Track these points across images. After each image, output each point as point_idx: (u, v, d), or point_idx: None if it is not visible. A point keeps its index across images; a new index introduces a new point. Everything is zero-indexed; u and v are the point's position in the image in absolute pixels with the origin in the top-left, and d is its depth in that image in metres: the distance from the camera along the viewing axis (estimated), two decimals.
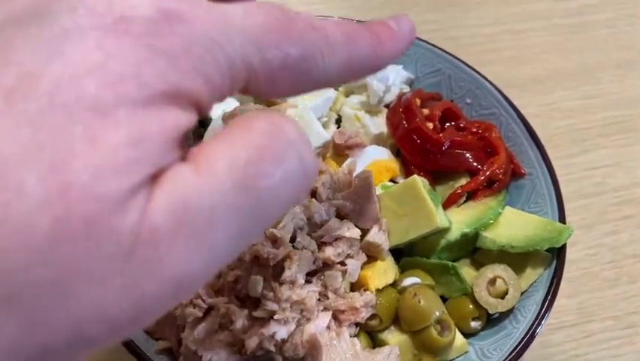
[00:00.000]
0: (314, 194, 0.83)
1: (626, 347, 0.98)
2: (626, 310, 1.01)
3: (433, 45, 1.06)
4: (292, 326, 0.72)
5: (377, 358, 0.73)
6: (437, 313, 0.79)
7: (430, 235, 0.83)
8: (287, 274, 0.72)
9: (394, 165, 0.93)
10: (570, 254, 1.00)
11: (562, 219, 0.88)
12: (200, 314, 0.72)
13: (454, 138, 0.92)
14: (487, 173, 0.91)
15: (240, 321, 0.70)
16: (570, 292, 1.02)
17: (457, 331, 0.82)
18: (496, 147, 0.94)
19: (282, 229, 0.75)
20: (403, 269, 0.86)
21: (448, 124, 0.97)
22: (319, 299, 0.78)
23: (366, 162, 0.90)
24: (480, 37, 1.08)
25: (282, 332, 0.71)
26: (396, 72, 1.04)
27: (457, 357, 0.82)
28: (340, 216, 0.82)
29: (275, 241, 0.74)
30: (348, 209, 0.82)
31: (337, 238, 0.79)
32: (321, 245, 0.78)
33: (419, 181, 0.82)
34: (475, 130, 0.96)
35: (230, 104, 0.93)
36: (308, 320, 0.75)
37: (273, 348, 0.70)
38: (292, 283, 0.73)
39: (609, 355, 0.97)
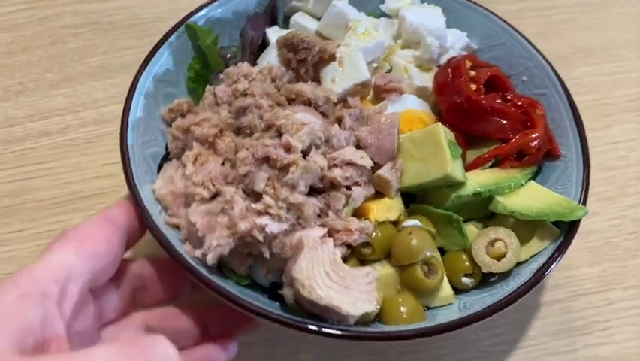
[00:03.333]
0: (339, 121, 0.88)
1: None
2: None
3: (501, 18, 1.07)
4: (284, 225, 0.77)
5: (355, 273, 0.76)
6: (426, 254, 0.81)
7: (442, 184, 0.85)
8: (289, 177, 0.77)
9: (428, 119, 0.95)
10: (593, 224, 1.06)
11: (583, 202, 0.86)
12: (208, 196, 0.80)
13: (494, 104, 0.93)
14: (519, 142, 0.91)
15: (238, 208, 0.77)
16: (592, 260, 1.03)
17: (446, 282, 0.84)
18: (536, 123, 0.93)
19: (298, 139, 0.80)
20: (410, 214, 0.88)
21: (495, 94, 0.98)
22: (319, 215, 0.82)
23: (401, 108, 0.93)
24: (505, 14, 1.06)
25: (272, 226, 0.76)
26: (457, 37, 1.05)
27: (440, 306, 0.84)
28: (359, 147, 0.86)
29: (288, 149, 0.80)
30: (368, 142, 0.86)
31: (348, 163, 0.83)
32: (331, 166, 0.83)
33: (441, 129, 0.84)
34: (519, 103, 0.96)
35: (281, 32, 0.99)
36: (303, 228, 0.80)
37: (261, 239, 0.76)
38: (293, 187, 0.78)
39: (630, 323, 0.97)
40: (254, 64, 0.99)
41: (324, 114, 0.89)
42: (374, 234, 0.83)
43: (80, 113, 1.17)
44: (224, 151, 0.84)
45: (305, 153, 0.82)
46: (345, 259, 0.82)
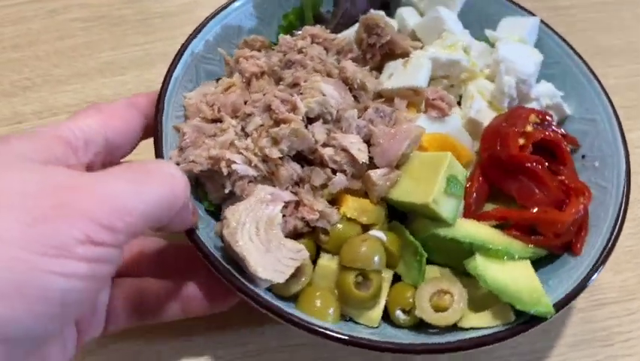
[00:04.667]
0: (356, 98, 0.87)
1: None
2: None
3: (607, 95, 0.95)
4: (252, 172, 0.79)
5: (285, 244, 0.76)
6: (368, 267, 0.77)
7: (424, 213, 0.80)
8: (275, 130, 0.79)
9: (462, 151, 0.89)
10: None
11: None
12: (209, 117, 0.85)
13: (534, 167, 0.84)
14: (536, 216, 0.82)
15: (225, 138, 0.81)
16: (613, 269, 0.97)
17: (380, 306, 0.80)
18: (570, 207, 0.83)
19: (306, 103, 0.81)
20: (389, 229, 0.85)
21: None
22: (297, 184, 0.83)
23: (440, 129, 0.89)
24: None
25: (239, 167, 0.79)
26: (549, 92, 0.97)
27: (362, 324, 0.80)
28: (369, 142, 0.85)
29: (293, 108, 0.81)
30: (377, 140, 0.84)
31: (344, 149, 0.82)
32: (327, 145, 0.82)
33: (448, 159, 0.79)
34: (566, 182, 0.86)
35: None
36: (274, 186, 0.81)
37: (225, 172, 0.79)
38: (275, 141, 0.79)
39: None
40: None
41: (356, 98, 0.89)
42: (337, 226, 0.81)
43: None
44: (254, 91, 0.89)
45: (310, 121, 0.83)
46: (302, 235, 0.82)
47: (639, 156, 1.11)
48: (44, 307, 0.51)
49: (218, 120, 0.86)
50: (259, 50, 0.97)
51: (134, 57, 1.21)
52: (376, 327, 0.80)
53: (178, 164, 0.82)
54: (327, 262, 0.82)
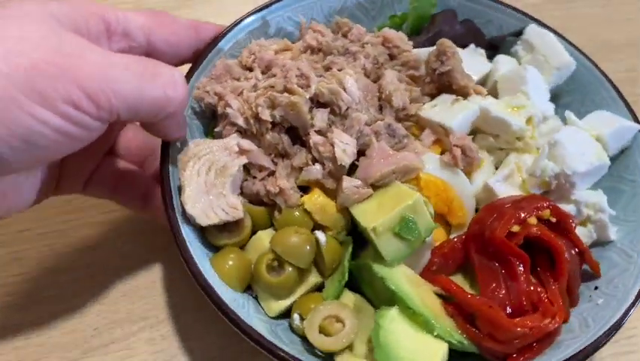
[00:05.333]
0: (381, 108, 0.85)
1: None
2: None
3: None
4: (240, 121, 0.82)
5: (228, 196, 0.77)
6: (284, 254, 0.76)
7: (369, 239, 0.76)
8: (270, 93, 0.80)
9: (456, 209, 0.82)
10: None
11: None
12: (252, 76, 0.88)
13: (512, 260, 0.75)
14: (476, 302, 0.73)
15: (247, 86, 0.85)
16: None
17: (284, 302, 0.79)
18: (522, 321, 0.72)
19: (318, 88, 0.81)
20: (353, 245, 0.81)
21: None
22: (282, 156, 0.84)
23: (445, 176, 0.82)
24: (525, 8, 1.01)
25: (232, 112, 0.82)
26: (595, 199, 0.84)
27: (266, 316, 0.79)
28: (361, 151, 0.82)
29: (306, 85, 0.81)
30: (369, 154, 0.81)
31: (331, 144, 0.80)
32: (319, 133, 0.81)
33: (414, 199, 0.74)
34: (542, 296, 0.75)
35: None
36: (258, 147, 0.83)
37: (220, 110, 0.83)
38: (270, 105, 0.81)
39: None
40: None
41: (381, 108, 0.86)
42: (292, 210, 0.81)
43: None
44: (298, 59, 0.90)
45: (320, 106, 0.82)
46: (264, 203, 0.83)
47: None
48: (10, 138, 0.57)
49: (250, 69, 0.89)
50: (338, 32, 0.98)
51: None
52: (271, 317, 0.78)
53: (199, 89, 0.87)
54: (264, 236, 0.82)
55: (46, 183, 0.76)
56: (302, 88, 0.81)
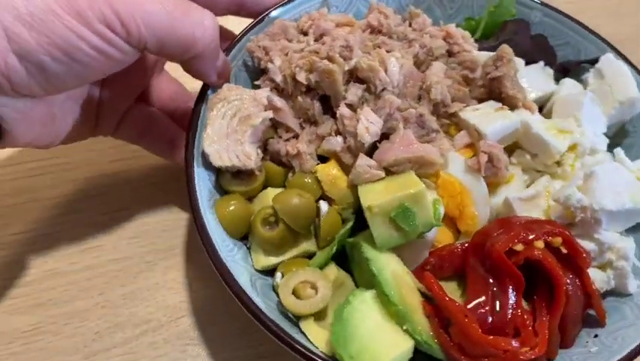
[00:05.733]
0: (420, 98, 0.85)
1: None
2: None
3: None
4: (278, 78, 0.85)
5: (246, 145, 0.79)
6: (281, 212, 0.77)
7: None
8: (315, 59, 0.81)
9: (466, 214, 0.79)
10: None
11: None
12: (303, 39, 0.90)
13: (505, 280, 0.72)
14: (454, 309, 0.70)
15: (291, 45, 0.87)
16: None
17: (274, 259, 0.80)
18: (495, 341, 0.69)
19: (359, 63, 0.81)
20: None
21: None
22: (311, 123, 0.85)
23: (465, 180, 0.80)
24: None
25: (272, 67, 0.85)
26: (622, 244, 0.78)
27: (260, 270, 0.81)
28: (386, 134, 0.81)
29: (348, 57, 0.82)
30: (392, 139, 0.80)
31: (357, 119, 0.80)
32: (349, 106, 0.81)
33: (418, 189, 0.73)
34: (528, 323, 0.71)
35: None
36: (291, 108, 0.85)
37: (262, 65, 0.86)
38: (309, 69, 0.82)
39: None
40: None
41: (419, 98, 0.85)
42: (304, 174, 0.82)
43: None
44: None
45: (358, 81, 0.82)
46: (282, 163, 0.85)
47: None
48: (50, 47, 0.62)
49: (305, 34, 0.91)
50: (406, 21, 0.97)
51: None
52: (256, 269, 0.80)
53: (252, 42, 0.90)
54: (272, 193, 0.83)
55: (86, 119, 0.82)
56: (343, 59, 0.81)
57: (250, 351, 0.84)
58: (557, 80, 0.96)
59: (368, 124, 0.79)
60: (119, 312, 0.86)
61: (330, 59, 0.81)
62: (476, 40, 0.98)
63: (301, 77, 0.82)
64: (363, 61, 0.80)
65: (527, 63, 0.95)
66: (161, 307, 0.87)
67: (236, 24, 0.92)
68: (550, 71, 0.96)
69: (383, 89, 0.81)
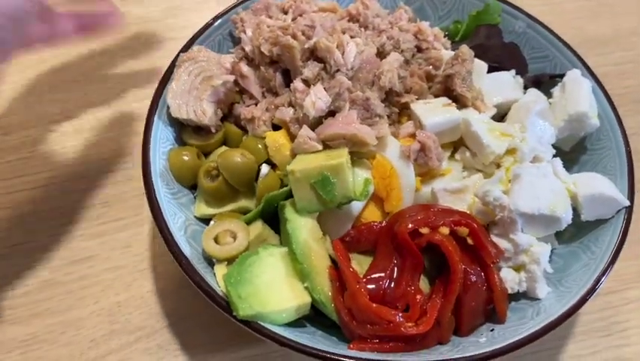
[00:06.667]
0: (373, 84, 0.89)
1: None
2: None
3: None
4: (247, 47, 0.92)
5: (204, 102, 0.88)
6: (220, 165, 0.85)
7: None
8: (278, 35, 0.88)
9: (392, 195, 0.83)
10: None
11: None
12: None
13: (407, 259, 0.77)
14: (347, 273, 0.75)
15: (268, 20, 0.94)
16: None
17: (209, 209, 0.88)
18: (380, 309, 0.74)
19: (318, 43, 0.87)
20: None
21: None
22: (274, 93, 0.92)
23: (398, 165, 0.84)
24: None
25: (244, 36, 0.93)
26: (543, 252, 0.80)
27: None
28: (333, 112, 0.87)
29: (308, 36, 0.88)
30: (336, 117, 0.85)
31: (307, 93, 0.86)
32: (307, 82, 0.88)
33: (341, 162, 0.78)
34: (418, 299, 0.75)
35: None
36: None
37: (236, 33, 0.93)
38: (272, 43, 0.89)
39: None
40: None
41: (373, 84, 0.89)
42: (252, 138, 0.90)
43: (76, 119, 1.09)
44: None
45: (318, 60, 0.88)
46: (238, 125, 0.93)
47: (636, 144, 0.98)
48: None
49: (286, 13, 0.98)
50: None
51: (119, 63, 1.18)
52: (195, 216, 0.88)
53: (237, 14, 0.98)
54: (223, 148, 0.91)
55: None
56: (306, 37, 0.88)
57: (241, 354, 0.88)
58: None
59: (316, 99, 0.85)
60: (114, 320, 0.90)
61: (292, 35, 0.88)
62: (456, 42, 1.02)
63: (265, 49, 0.89)
64: (322, 41, 0.86)
65: (498, 69, 0.98)
66: (155, 313, 0.91)
67: None
68: (520, 80, 0.98)
69: (337, 70, 0.86)
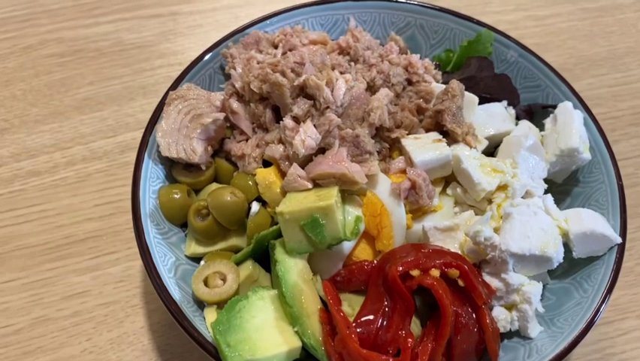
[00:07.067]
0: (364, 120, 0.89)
1: None
2: None
3: None
4: (237, 84, 0.92)
5: (195, 141, 0.88)
6: (210, 204, 0.84)
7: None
8: (268, 72, 0.88)
9: (383, 234, 0.83)
10: None
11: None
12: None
13: (398, 302, 0.76)
14: (337, 315, 0.75)
15: (259, 55, 0.94)
16: None
17: (199, 248, 0.87)
18: (371, 355, 0.73)
19: (308, 80, 0.86)
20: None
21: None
22: (265, 129, 0.92)
23: (389, 203, 0.84)
24: (502, 25, 1.10)
25: (234, 73, 0.93)
26: (521, 282, 0.79)
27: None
28: (322, 150, 0.87)
29: (297, 73, 0.88)
30: (327, 154, 0.85)
31: (297, 131, 0.85)
32: (295, 119, 0.87)
33: (329, 204, 0.77)
34: (410, 345, 0.75)
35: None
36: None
37: (227, 69, 0.94)
38: (262, 80, 0.88)
39: None
40: None
41: (364, 120, 0.89)
42: (242, 175, 0.89)
43: (69, 150, 1.10)
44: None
45: (308, 97, 0.88)
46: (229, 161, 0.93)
47: (630, 168, 1.09)
48: None
49: (277, 47, 0.98)
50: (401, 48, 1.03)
51: (113, 91, 1.19)
52: (186, 255, 0.87)
53: (228, 49, 0.98)
54: (214, 187, 0.90)
55: None
56: (295, 74, 0.87)
57: None
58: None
59: (305, 137, 0.84)
60: (106, 358, 0.89)
61: (282, 73, 0.88)
62: (448, 73, 1.01)
63: (254, 86, 0.89)
64: (311, 79, 0.86)
65: (490, 100, 0.97)
66: (148, 350, 0.90)
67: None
68: (512, 111, 0.98)
69: (327, 107, 0.86)
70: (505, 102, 0.98)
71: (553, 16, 1.35)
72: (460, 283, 0.77)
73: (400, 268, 0.76)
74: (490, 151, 0.93)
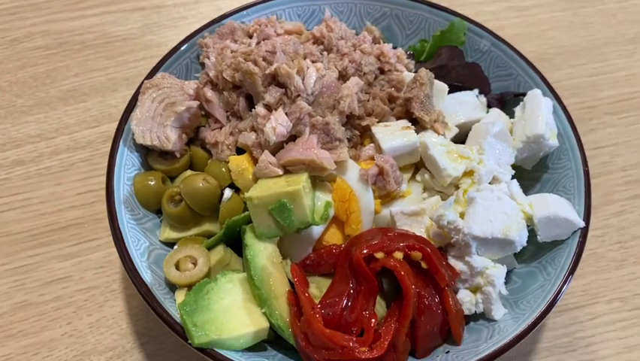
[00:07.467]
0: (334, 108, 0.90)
1: (633, 329, 0.96)
2: (632, 292, 0.99)
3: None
4: (211, 72, 0.94)
5: (168, 129, 0.90)
6: (182, 190, 0.86)
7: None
8: (241, 60, 0.90)
9: (352, 218, 0.85)
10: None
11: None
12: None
13: (363, 284, 0.78)
14: (303, 297, 0.76)
15: (233, 45, 0.95)
16: (575, 273, 0.91)
17: (173, 233, 0.89)
18: (333, 334, 0.75)
19: (279, 69, 0.88)
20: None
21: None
22: (238, 117, 0.94)
23: (359, 190, 0.86)
24: (484, 16, 1.11)
25: (208, 62, 0.95)
26: (493, 275, 0.81)
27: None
28: (293, 137, 0.88)
29: (269, 61, 0.90)
30: (297, 141, 0.87)
31: (268, 118, 0.87)
32: (268, 107, 0.89)
33: (298, 189, 0.79)
34: (373, 324, 0.76)
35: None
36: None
37: (201, 58, 0.95)
38: (235, 69, 0.90)
39: (615, 337, 0.96)
40: None
41: (334, 108, 0.90)
42: (215, 163, 0.91)
43: (53, 140, 1.12)
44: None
45: (279, 85, 0.89)
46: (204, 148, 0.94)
47: (605, 157, 1.10)
48: None
49: (251, 37, 0.99)
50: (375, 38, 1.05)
51: (97, 83, 1.22)
52: (160, 240, 0.89)
53: (204, 38, 1.00)
54: (188, 173, 0.92)
55: None
56: (267, 63, 0.89)
57: None
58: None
59: (276, 124, 0.86)
60: (86, 340, 0.92)
61: (254, 61, 0.89)
62: (421, 62, 1.03)
63: (227, 75, 0.90)
64: (283, 67, 0.88)
65: (461, 89, 0.99)
66: (126, 334, 0.93)
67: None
68: (483, 100, 0.99)
69: (298, 95, 0.88)
70: (476, 91, 0.99)
71: (534, 7, 1.37)
72: (424, 265, 0.78)
73: (365, 251, 0.78)
74: (462, 139, 0.95)
